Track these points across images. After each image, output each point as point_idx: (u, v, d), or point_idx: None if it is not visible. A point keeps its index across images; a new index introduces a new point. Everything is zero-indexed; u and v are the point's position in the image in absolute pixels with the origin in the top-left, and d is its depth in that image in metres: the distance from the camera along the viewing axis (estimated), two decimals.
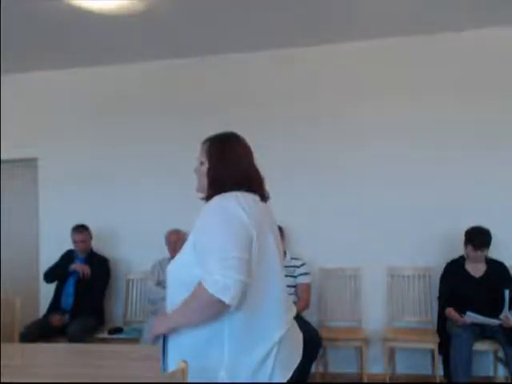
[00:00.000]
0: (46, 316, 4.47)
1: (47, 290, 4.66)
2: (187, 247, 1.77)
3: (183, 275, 1.75)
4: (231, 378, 1.65)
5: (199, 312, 1.64)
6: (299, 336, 1.88)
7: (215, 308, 1.59)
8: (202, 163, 1.87)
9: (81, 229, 4.60)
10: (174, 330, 1.72)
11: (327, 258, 4.47)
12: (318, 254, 4.46)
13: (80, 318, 4.28)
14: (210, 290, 1.56)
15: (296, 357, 1.81)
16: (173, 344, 1.76)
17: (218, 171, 1.82)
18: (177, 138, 4.81)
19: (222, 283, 1.56)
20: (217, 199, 1.75)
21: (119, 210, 4.92)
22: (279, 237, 1.88)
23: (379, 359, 4.20)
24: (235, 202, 1.71)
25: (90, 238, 4.67)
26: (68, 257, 4.66)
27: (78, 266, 4.50)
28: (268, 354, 1.68)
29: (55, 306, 4.49)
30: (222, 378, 1.65)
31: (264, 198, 1.87)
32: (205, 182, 1.85)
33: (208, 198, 1.82)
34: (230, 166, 1.81)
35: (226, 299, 1.55)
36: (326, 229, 4.50)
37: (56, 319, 4.32)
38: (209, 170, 1.83)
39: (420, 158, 4.41)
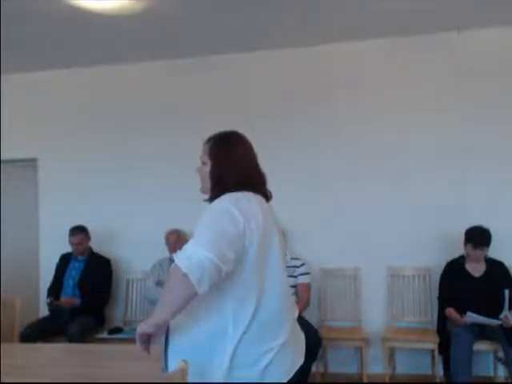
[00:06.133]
0: (45, 317, 4.47)
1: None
2: None
3: None
4: (231, 373, 1.65)
5: (172, 292, 1.59)
6: (301, 337, 1.87)
7: (185, 286, 1.53)
8: (204, 163, 1.83)
9: (76, 231, 4.53)
10: (160, 324, 1.67)
11: (327, 257, 4.47)
12: (318, 254, 4.45)
13: (80, 318, 4.26)
14: (182, 266, 1.52)
15: (298, 358, 1.79)
16: (173, 345, 1.76)
17: (220, 171, 1.78)
18: (177, 138, 4.80)
19: (195, 259, 1.52)
20: (217, 201, 1.73)
21: (119, 209, 4.91)
22: (282, 237, 1.86)
23: (379, 359, 4.19)
24: (230, 203, 1.68)
25: (88, 239, 4.62)
26: (63, 263, 4.64)
27: (63, 301, 4.40)
28: (268, 352, 1.68)
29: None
30: (220, 377, 1.65)
31: (267, 197, 1.85)
32: (208, 182, 1.81)
33: (211, 199, 1.79)
34: (232, 166, 1.78)
35: (194, 278, 1.51)
36: (325, 229, 4.49)
37: (67, 301, 4.36)
38: (212, 170, 1.80)
39: (420, 157, 4.41)
